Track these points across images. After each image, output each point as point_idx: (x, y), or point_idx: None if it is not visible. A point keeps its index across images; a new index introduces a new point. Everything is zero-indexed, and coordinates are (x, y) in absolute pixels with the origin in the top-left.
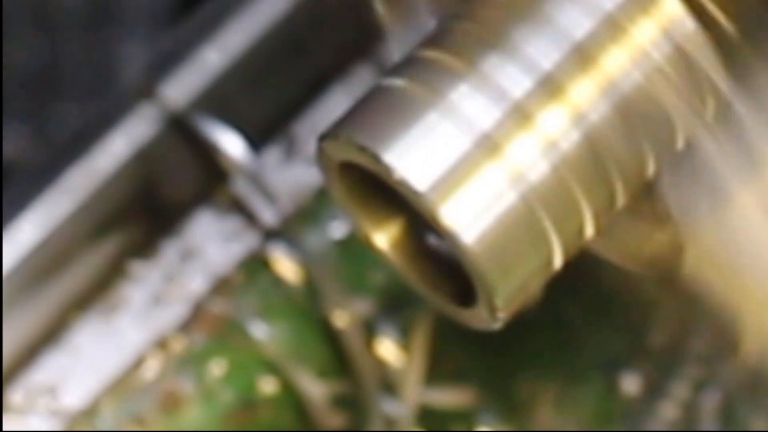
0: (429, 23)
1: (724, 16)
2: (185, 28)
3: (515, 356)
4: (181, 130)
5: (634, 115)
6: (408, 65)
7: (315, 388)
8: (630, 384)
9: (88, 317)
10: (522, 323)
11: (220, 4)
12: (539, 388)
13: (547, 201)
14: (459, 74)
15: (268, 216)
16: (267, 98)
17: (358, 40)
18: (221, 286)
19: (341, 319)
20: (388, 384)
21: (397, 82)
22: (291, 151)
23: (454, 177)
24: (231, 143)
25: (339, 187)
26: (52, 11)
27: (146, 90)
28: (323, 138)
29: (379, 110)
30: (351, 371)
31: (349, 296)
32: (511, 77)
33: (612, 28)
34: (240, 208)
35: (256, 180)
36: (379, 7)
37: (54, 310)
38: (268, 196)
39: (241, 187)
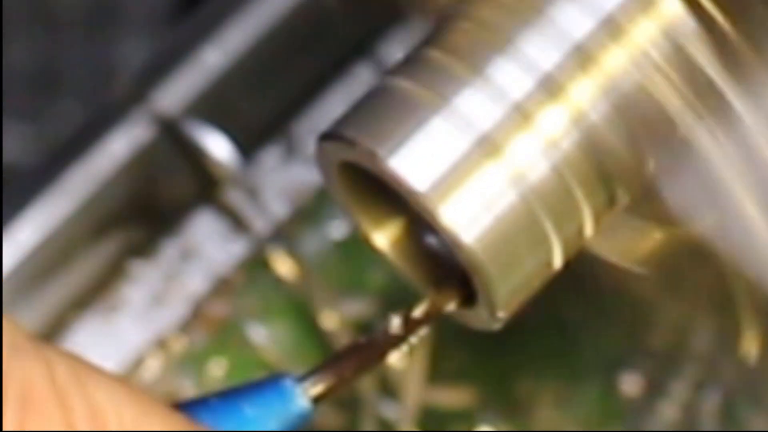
0: (428, 23)
1: (723, 16)
2: (185, 28)
3: (515, 356)
4: (173, 135)
5: (634, 115)
6: (408, 65)
7: None
8: (630, 384)
9: (88, 317)
10: (522, 323)
11: (220, 4)
12: (539, 388)
13: (547, 201)
14: (459, 74)
15: (260, 224)
16: (267, 98)
17: (358, 40)
18: (221, 286)
19: (330, 320)
20: (389, 384)
21: (398, 82)
22: (291, 151)
23: (453, 177)
24: (221, 151)
25: (339, 187)
26: (52, 11)
27: (138, 95)
28: (323, 138)
29: (379, 110)
30: None
31: (341, 297)
32: (511, 77)
33: (612, 28)
34: (234, 214)
35: (248, 187)
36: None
37: (54, 310)
38: (260, 203)
39: (231, 195)
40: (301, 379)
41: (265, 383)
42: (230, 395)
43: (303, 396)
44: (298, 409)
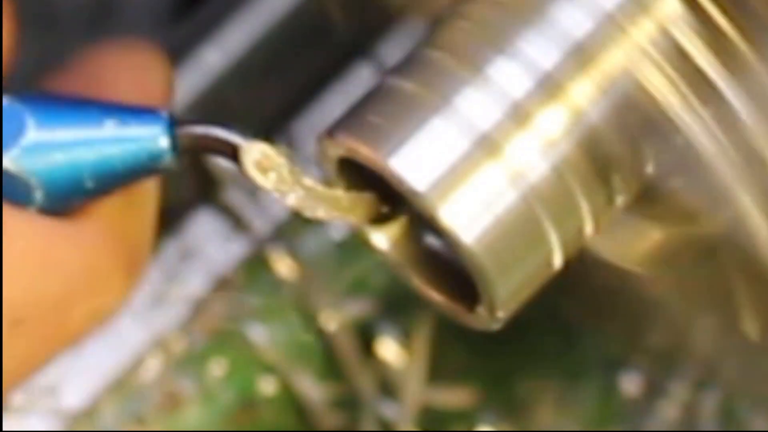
0: (428, 23)
1: (723, 15)
2: (185, 28)
3: (515, 356)
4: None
5: (634, 115)
6: (408, 65)
7: (314, 391)
8: (630, 384)
9: None
10: (522, 323)
11: (220, 4)
12: (539, 388)
13: (546, 201)
14: (459, 74)
15: (260, 224)
16: (267, 98)
17: (358, 40)
18: (221, 286)
19: (330, 320)
20: (389, 384)
21: (397, 81)
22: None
23: (453, 177)
24: None
25: (339, 187)
26: (52, 11)
27: None
28: (323, 137)
29: (378, 110)
30: (347, 372)
31: (341, 298)
32: (511, 77)
33: (612, 28)
34: (234, 214)
35: (248, 187)
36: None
37: None
38: (260, 203)
39: (231, 195)
40: (174, 122)
41: (139, 108)
42: (99, 103)
43: (166, 135)
44: (159, 145)
